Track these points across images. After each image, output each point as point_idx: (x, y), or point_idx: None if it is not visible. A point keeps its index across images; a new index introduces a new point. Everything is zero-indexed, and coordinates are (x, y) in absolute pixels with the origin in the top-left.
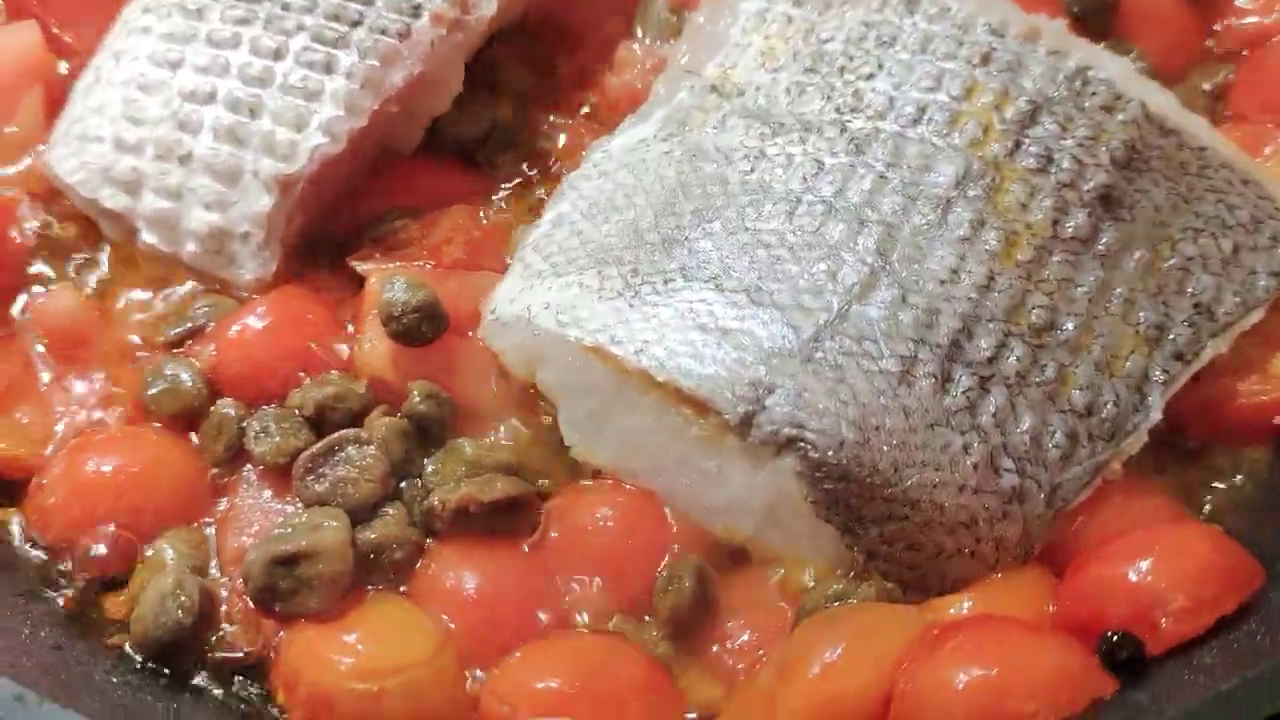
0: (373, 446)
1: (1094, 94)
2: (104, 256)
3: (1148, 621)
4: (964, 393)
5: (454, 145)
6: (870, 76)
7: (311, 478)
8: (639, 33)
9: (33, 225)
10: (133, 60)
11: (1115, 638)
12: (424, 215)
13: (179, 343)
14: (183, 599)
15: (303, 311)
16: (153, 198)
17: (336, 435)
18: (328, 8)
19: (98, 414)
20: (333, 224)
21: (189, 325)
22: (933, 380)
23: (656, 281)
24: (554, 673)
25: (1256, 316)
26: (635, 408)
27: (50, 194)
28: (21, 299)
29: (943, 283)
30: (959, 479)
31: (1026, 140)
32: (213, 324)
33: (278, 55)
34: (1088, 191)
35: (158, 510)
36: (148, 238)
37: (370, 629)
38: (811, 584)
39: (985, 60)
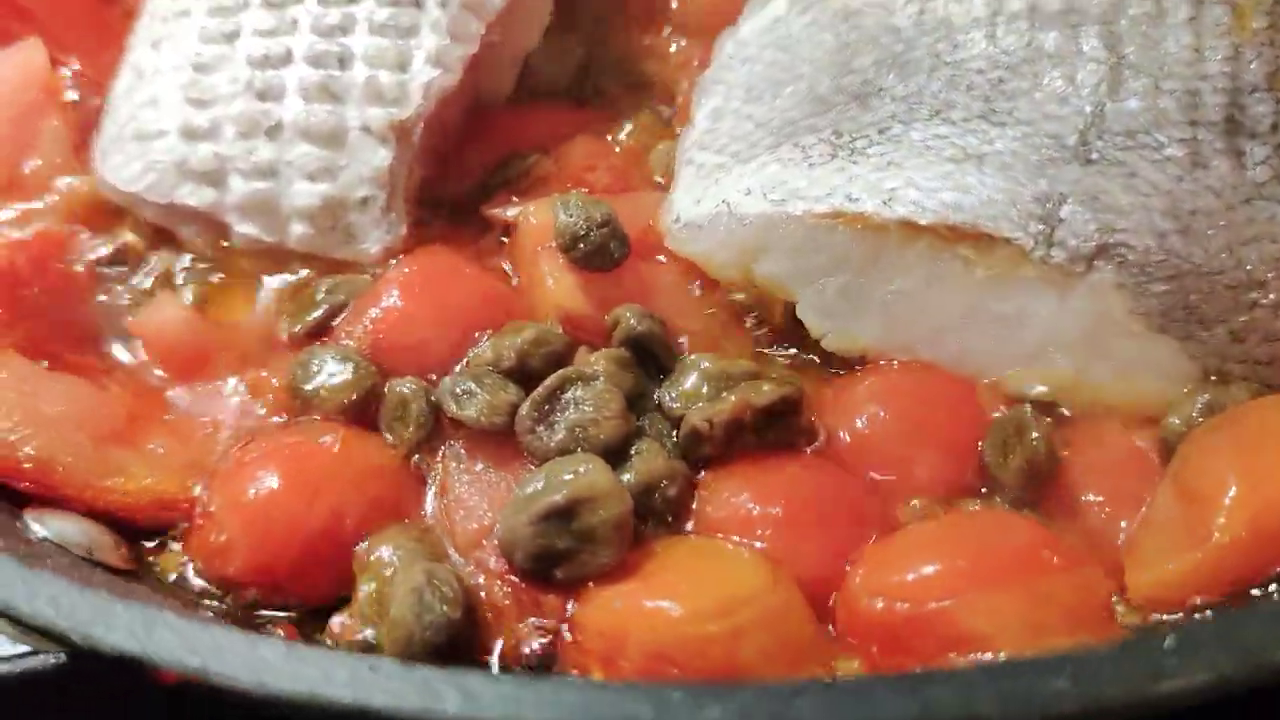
0: (600, 381)
1: None
2: (182, 267)
3: None
4: (1263, 163)
5: (552, 84)
6: None
7: (543, 428)
8: None
9: (97, 253)
10: (180, 43)
11: None
12: (552, 152)
13: (318, 331)
14: (443, 589)
15: (456, 265)
16: (242, 182)
17: (556, 376)
18: None
19: (245, 426)
20: (443, 182)
21: (325, 309)
22: (1226, 158)
23: (870, 133)
24: (949, 553)
25: None
26: (899, 267)
27: (101, 217)
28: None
29: (1189, 64)
30: None
31: None
32: (351, 303)
33: None
34: None
35: (360, 517)
36: (243, 229)
37: (684, 572)
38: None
39: None
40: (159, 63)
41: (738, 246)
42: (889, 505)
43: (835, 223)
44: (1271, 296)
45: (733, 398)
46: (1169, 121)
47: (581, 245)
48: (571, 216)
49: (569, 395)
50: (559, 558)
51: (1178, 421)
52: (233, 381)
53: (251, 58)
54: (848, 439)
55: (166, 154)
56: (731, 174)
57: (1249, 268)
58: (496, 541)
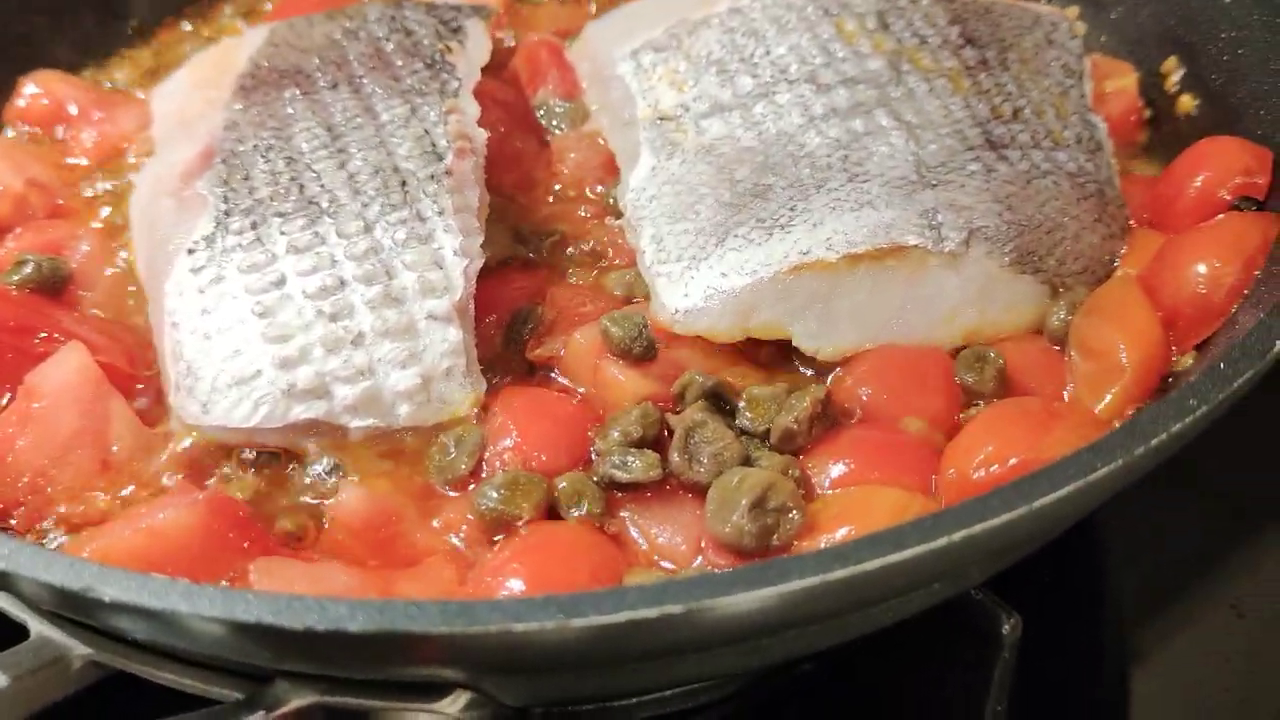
0: (708, 423)
1: None
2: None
3: None
4: (1020, 161)
5: (499, 257)
6: (767, 52)
7: (696, 465)
8: (553, 129)
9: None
10: (230, 302)
11: None
12: (536, 306)
13: (475, 471)
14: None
15: (539, 394)
16: (347, 387)
17: (682, 429)
18: (371, 178)
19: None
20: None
21: (467, 455)
22: (1001, 163)
23: (784, 213)
24: (1005, 430)
25: None
26: (851, 287)
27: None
28: None
29: (946, 116)
30: (1070, 194)
31: (895, 31)
32: (483, 450)
33: (368, 229)
34: (955, 39)
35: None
36: (359, 423)
37: (856, 510)
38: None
39: (825, 12)
40: (220, 323)
41: (733, 313)
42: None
43: (800, 273)
44: (1068, 232)
45: (805, 401)
46: (957, 151)
47: (636, 347)
48: (624, 330)
49: (695, 439)
50: (772, 530)
51: (1057, 321)
52: (431, 529)
53: (308, 292)
54: (871, 407)
55: (270, 385)
56: (700, 270)
57: (1051, 218)
58: (715, 543)
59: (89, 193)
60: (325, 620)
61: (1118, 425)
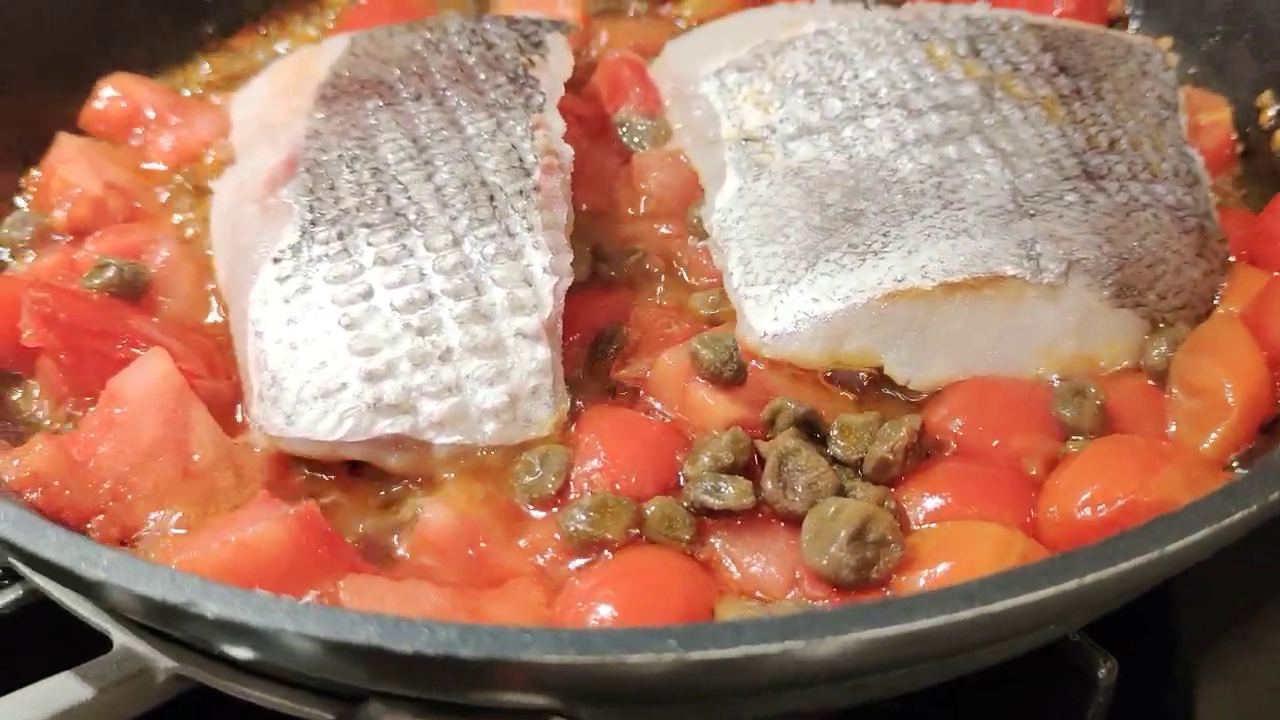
0: (802, 450)
1: (985, 20)
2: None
3: None
4: (1118, 193)
5: (578, 278)
6: (855, 75)
7: (791, 494)
8: (635, 146)
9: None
10: (317, 313)
11: None
12: (620, 326)
13: (562, 492)
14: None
15: (626, 415)
16: (434, 403)
17: (774, 456)
18: (459, 192)
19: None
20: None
21: (554, 475)
22: (1100, 194)
23: (877, 238)
24: (1110, 468)
25: None
26: (947, 316)
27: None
28: None
29: (1041, 145)
30: (1171, 229)
31: (987, 57)
32: (570, 470)
33: (456, 243)
34: (1048, 67)
35: (689, 611)
36: (444, 440)
37: (957, 545)
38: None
39: (915, 36)
40: (306, 333)
41: (824, 338)
42: (1019, 468)
43: (894, 300)
44: (1169, 267)
45: (901, 430)
46: (1054, 181)
47: (726, 370)
48: (714, 353)
49: (789, 466)
50: (871, 563)
51: (1157, 356)
52: (519, 549)
53: (397, 305)
54: (965, 439)
55: (356, 399)
56: (789, 294)
57: (1152, 251)
58: (811, 574)
59: (166, 197)
60: (436, 645)
61: (1240, 468)
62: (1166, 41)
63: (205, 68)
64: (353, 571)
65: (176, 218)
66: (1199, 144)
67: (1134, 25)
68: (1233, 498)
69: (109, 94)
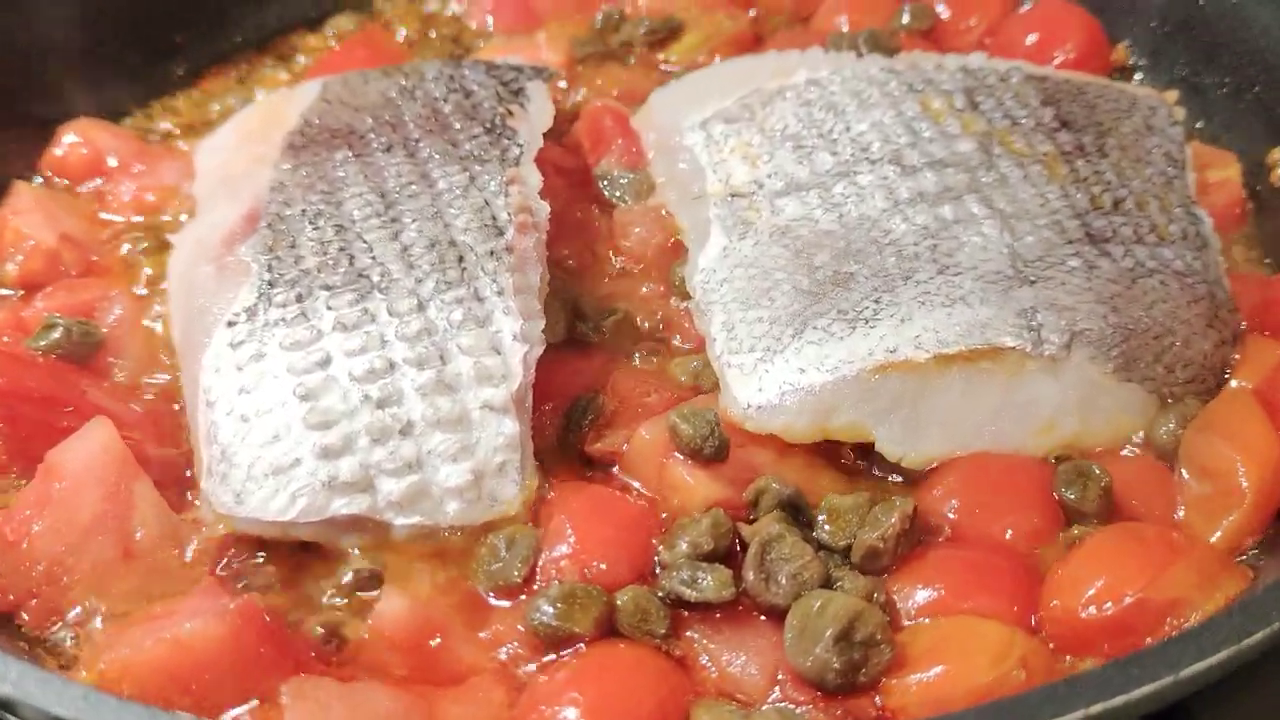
0: (787, 537)
1: (983, 71)
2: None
3: None
4: (1124, 257)
5: (554, 338)
6: (847, 129)
7: (774, 586)
8: (616, 200)
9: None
10: (271, 382)
11: None
12: (596, 395)
13: (528, 579)
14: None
15: (600, 493)
16: (393, 481)
17: (757, 544)
18: (426, 252)
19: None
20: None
21: (520, 561)
22: (1103, 259)
23: (868, 304)
24: (1117, 561)
25: None
26: (941, 390)
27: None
28: None
29: (1042, 206)
30: (1179, 296)
31: (985, 111)
32: (538, 555)
33: (421, 308)
34: (1049, 122)
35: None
36: (404, 520)
37: (953, 644)
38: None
39: (910, 88)
40: (259, 404)
41: (811, 412)
42: (1021, 554)
43: (886, 372)
44: (1177, 338)
45: (893, 516)
46: (1055, 245)
47: (707, 446)
48: (694, 428)
49: (771, 556)
50: (859, 665)
51: (1165, 434)
52: (474, 644)
53: (355, 374)
54: (961, 523)
55: (310, 477)
56: (774, 363)
57: (1160, 322)
58: (795, 675)
59: (125, 250)
60: None
61: (1257, 555)
62: (1173, 94)
63: (175, 111)
64: (301, 671)
65: (136, 275)
66: (1207, 203)
67: (1139, 76)
68: (1252, 616)
69: (70, 140)
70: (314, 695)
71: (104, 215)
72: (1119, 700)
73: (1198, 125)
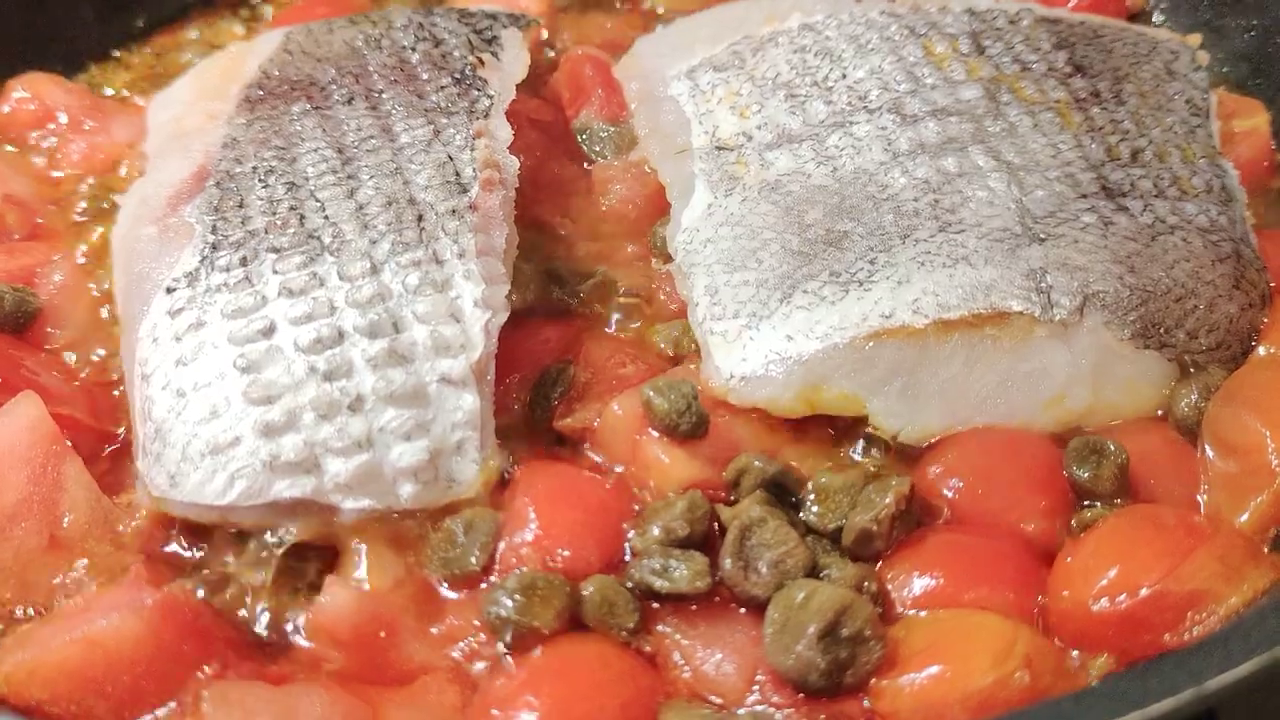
0: (769, 521)
1: (991, 13)
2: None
3: None
4: (1143, 212)
5: (526, 305)
6: (843, 76)
7: (754, 575)
8: (595, 155)
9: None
10: (210, 353)
11: None
12: (567, 365)
13: (487, 568)
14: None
15: (567, 473)
16: (341, 461)
17: (735, 528)
18: (382, 211)
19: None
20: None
21: (479, 547)
22: (1120, 214)
23: (863, 265)
24: (1131, 548)
25: None
26: (942, 359)
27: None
28: None
29: (1054, 157)
30: (1202, 255)
31: (992, 55)
32: (498, 542)
33: (374, 271)
34: (1062, 67)
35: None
36: (353, 504)
37: (950, 641)
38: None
39: (912, 31)
40: (197, 377)
41: (799, 383)
42: (1027, 539)
43: (881, 339)
44: (1201, 301)
45: (887, 496)
46: (1068, 199)
47: (684, 422)
48: (670, 402)
49: (752, 542)
50: (846, 664)
51: (1187, 407)
52: (426, 643)
53: (300, 345)
54: (962, 504)
55: (250, 457)
56: (761, 330)
57: (1181, 283)
58: (775, 675)
59: (74, 212)
60: None
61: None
62: (1195, 38)
63: (131, 67)
64: (229, 670)
65: (85, 239)
66: (1233, 155)
67: (1158, 19)
68: None
69: (18, 95)
70: (240, 702)
71: (54, 174)
72: (1134, 716)
73: (1223, 71)
